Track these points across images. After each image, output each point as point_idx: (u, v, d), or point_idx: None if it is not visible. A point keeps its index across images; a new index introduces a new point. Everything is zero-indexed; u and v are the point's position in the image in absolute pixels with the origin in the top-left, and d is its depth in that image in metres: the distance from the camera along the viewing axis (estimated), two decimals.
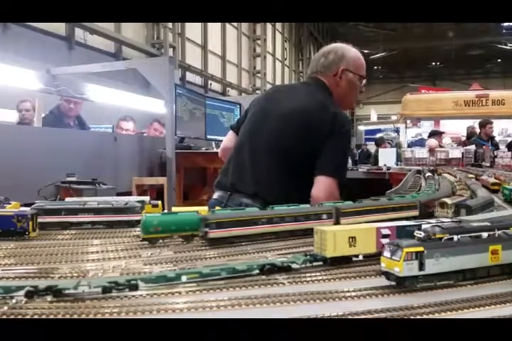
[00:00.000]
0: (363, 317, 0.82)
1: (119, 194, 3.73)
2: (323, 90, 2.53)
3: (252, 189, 2.32)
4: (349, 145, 2.43)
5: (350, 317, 0.82)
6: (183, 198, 5.42)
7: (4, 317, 0.81)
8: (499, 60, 28.21)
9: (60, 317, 0.81)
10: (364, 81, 2.64)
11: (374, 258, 1.14)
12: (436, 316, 0.85)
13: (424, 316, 0.84)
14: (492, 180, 2.71)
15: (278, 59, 19.58)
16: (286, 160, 2.35)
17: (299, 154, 2.35)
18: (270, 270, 1.06)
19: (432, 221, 1.25)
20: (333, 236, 1.11)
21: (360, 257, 1.16)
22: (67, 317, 0.81)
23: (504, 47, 24.62)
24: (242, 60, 16.05)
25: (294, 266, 1.10)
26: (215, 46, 13.98)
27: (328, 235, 1.12)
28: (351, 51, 2.59)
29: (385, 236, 1.16)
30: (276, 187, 2.32)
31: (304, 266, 1.11)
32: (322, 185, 2.27)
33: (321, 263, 1.13)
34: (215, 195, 2.48)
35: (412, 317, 0.83)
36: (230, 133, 2.81)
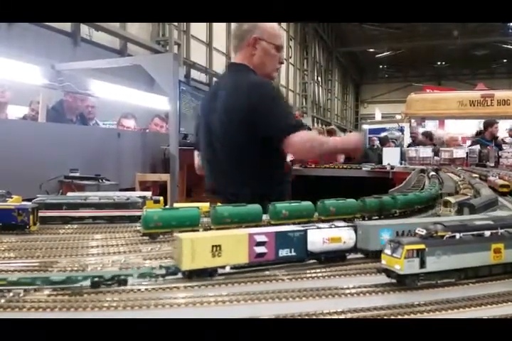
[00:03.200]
0: (362, 314, 0.81)
1: (122, 190, 3.73)
2: (244, 70, 2.52)
3: (231, 192, 2.34)
4: (274, 99, 2.40)
5: (350, 314, 0.81)
6: (186, 195, 5.41)
7: (1, 310, 0.80)
8: (505, 61, 28.02)
9: (57, 310, 0.81)
10: (283, 51, 2.61)
11: (245, 269, 1.03)
12: (437, 314, 0.84)
13: (425, 314, 0.83)
14: (501, 181, 2.56)
15: None
16: (242, 155, 2.40)
17: (248, 144, 2.37)
18: (97, 283, 0.89)
19: (323, 225, 1.16)
20: (190, 244, 0.95)
21: (227, 269, 1.01)
22: (64, 310, 0.81)
23: (510, 47, 24.47)
24: None
25: (134, 279, 0.93)
26: (220, 44, 13.94)
27: (184, 243, 0.95)
28: (266, 23, 2.56)
29: (260, 243, 1.03)
30: (247, 183, 2.35)
31: (141, 280, 0.93)
32: (290, 148, 2.33)
33: (179, 276, 0.97)
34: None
35: (411, 317, 0.82)
36: (196, 152, 2.85)
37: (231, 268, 1.02)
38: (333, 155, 2.43)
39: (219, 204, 1.59)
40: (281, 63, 2.65)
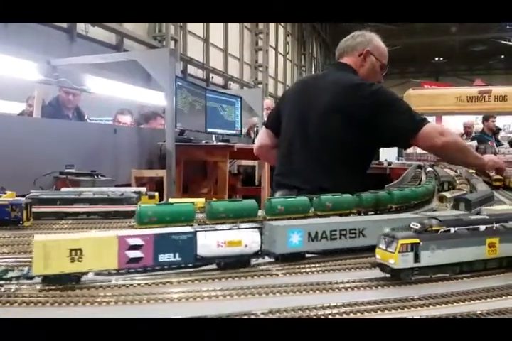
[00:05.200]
0: (357, 308, 0.81)
1: (118, 186, 3.72)
2: (351, 72, 2.59)
3: (324, 185, 2.27)
4: (393, 103, 2.38)
5: (344, 308, 0.81)
6: (183, 191, 5.41)
7: None
8: (502, 56, 28.04)
9: (48, 305, 0.80)
10: (385, 71, 2.72)
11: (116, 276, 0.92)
12: (431, 308, 0.83)
13: (419, 308, 0.83)
14: (495, 176, 2.58)
15: (280, 53, 19.51)
16: (345, 152, 2.40)
17: (355, 142, 2.38)
18: None
19: (222, 227, 1.04)
20: (42, 247, 0.85)
21: (91, 275, 0.91)
22: (56, 305, 0.80)
23: (507, 43, 24.48)
24: (244, 54, 15.99)
25: None
26: (217, 39, 13.92)
27: (36, 246, 0.85)
28: (378, 39, 2.72)
29: (134, 247, 0.92)
30: (345, 179, 2.32)
31: None
32: (424, 141, 2.28)
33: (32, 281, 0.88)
34: (278, 195, 2.50)
35: (411, 318, 0.81)
36: (265, 131, 2.88)
37: (95, 274, 0.92)
38: (466, 158, 2.42)
39: (214, 199, 1.58)
40: (379, 82, 2.68)
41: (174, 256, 0.96)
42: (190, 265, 0.99)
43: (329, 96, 2.41)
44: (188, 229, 1.00)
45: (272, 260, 1.09)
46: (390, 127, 2.29)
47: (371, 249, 1.13)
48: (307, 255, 1.13)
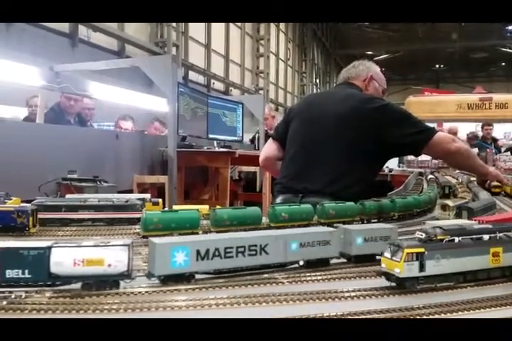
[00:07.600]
0: (362, 317, 0.82)
1: (120, 192, 3.72)
2: (360, 91, 2.77)
3: (328, 188, 2.41)
4: (405, 114, 2.57)
5: (349, 317, 0.82)
6: (184, 197, 5.41)
7: (3, 311, 0.81)
8: (503, 64, 28.12)
9: (58, 312, 0.81)
10: (385, 95, 2.93)
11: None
12: (436, 317, 0.84)
13: (424, 317, 0.84)
14: (494, 182, 2.70)
15: (281, 59, 19.55)
16: (355, 159, 2.48)
17: (363, 147, 2.48)
18: None
19: (86, 243, 0.93)
20: None
21: None
22: (66, 312, 0.81)
23: (508, 50, 24.55)
24: (246, 60, 16.03)
25: None
26: (219, 46, 13.96)
27: None
28: (376, 67, 2.96)
29: None
30: (352, 182, 2.45)
31: None
32: (438, 147, 2.45)
33: None
34: (280, 199, 2.56)
35: (411, 318, 0.83)
36: (272, 143, 2.94)
37: None
38: (474, 164, 2.66)
39: (218, 206, 1.59)
40: None
41: (23, 273, 0.87)
42: (48, 283, 0.90)
43: (342, 108, 2.53)
44: (41, 244, 0.90)
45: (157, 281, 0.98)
46: (404, 136, 2.42)
47: (276, 268, 1.08)
48: (198, 276, 1.02)
